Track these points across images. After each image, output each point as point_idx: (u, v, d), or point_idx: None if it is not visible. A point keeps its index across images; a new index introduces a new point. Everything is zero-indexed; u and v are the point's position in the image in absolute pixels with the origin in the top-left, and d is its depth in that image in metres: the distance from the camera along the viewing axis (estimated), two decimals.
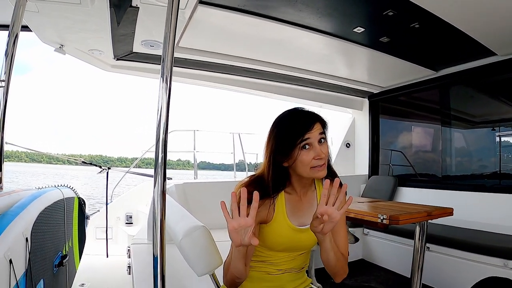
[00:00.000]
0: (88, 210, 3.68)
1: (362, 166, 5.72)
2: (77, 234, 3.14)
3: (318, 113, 1.44)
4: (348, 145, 5.87)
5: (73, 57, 3.81)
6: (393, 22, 3.09)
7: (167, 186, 3.52)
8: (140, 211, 5.16)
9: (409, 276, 2.84)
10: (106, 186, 4.41)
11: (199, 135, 6.25)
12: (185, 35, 3.29)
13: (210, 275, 1.53)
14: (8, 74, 1.89)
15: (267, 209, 1.43)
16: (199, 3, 2.71)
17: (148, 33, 3.22)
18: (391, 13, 2.88)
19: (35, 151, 5.82)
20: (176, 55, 3.68)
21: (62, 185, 3.02)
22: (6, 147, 2.31)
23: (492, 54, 3.64)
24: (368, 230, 4.48)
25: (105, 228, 4.35)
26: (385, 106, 5.52)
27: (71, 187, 3.13)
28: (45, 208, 2.20)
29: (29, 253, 1.77)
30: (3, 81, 1.98)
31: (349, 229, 3.29)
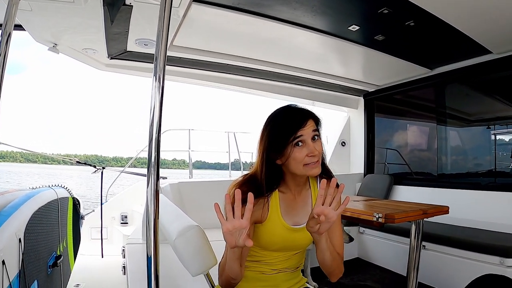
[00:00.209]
0: (83, 210, 3.66)
1: (357, 164, 5.72)
2: (71, 234, 3.12)
3: (312, 110, 1.44)
4: (343, 144, 5.87)
5: (67, 56, 3.79)
6: (388, 20, 3.09)
7: (162, 186, 3.52)
8: (135, 210, 5.15)
9: (405, 275, 2.84)
10: (101, 186, 4.39)
11: (194, 134, 6.23)
12: (179, 33, 3.27)
13: (204, 275, 1.51)
14: (1, 74, 1.87)
15: (261, 208, 1.41)
16: (192, 1, 2.69)
17: (142, 31, 3.20)
18: (386, 11, 2.88)
19: (29, 151, 5.80)
20: (170, 53, 3.66)
21: (56, 185, 3.00)
22: (1, 147, 2.30)
23: (488, 52, 3.64)
24: (363, 229, 4.48)
25: (100, 228, 4.33)
26: (380, 105, 5.52)
27: (65, 187, 3.11)
28: (39, 208, 2.19)
29: (22, 254, 1.76)
30: None
31: (344, 227, 3.29)
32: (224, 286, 1.43)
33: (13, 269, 1.64)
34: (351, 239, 3.27)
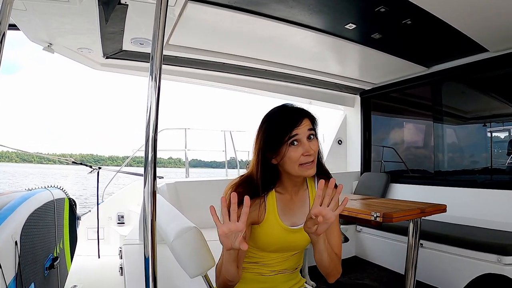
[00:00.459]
0: (79, 211, 3.64)
1: (354, 163, 5.72)
2: (68, 235, 3.11)
3: (307, 109, 1.43)
4: (340, 142, 5.88)
5: (62, 56, 3.77)
6: (385, 19, 3.08)
7: (159, 186, 3.51)
8: (131, 210, 5.13)
9: (403, 273, 2.84)
10: (97, 186, 4.37)
11: (190, 134, 6.22)
12: (175, 32, 3.25)
13: (202, 276, 1.50)
14: None
15: (257, 209, 1.40)
16: (188, 0, 2.68)
17: (137, 30, 3.19)
18: (383, 10, 2.87)
19: (24, 151, 5.78)
20: (166, 53, 3.64)
21: (52, 186, 2.99)
22: None
23: (484, 50, 3.65)
24: (361, 227, 4.48)
25: (97, 229, 4.32)
26: (376, 103, 5.52)
27: (61, 188, 3.09)
28: (35, 210, 2.17)
29: (19, 257, 1.74)
30: None
31: (341, 226, 3.28)
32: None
33: (10, 272, 1.63)
34: (346, 240, 3.27)
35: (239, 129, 6.69)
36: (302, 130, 1.33)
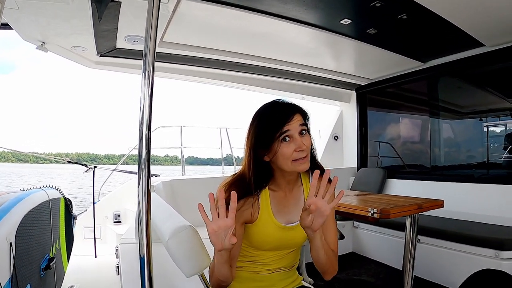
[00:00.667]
0: (75, 210, 3.62)
1: (350, 158, 5.73)
2: (64, 235, 3.09)
3: (299, 105, 1.41)
4: (336, 138, 5.88)
5: (55, 55, 3.74)
6: (380, 14, 3.07)
7: (154, 184, 3.49)
8: (128, 209, 5.11)
9: (401, 269, 2.84)
10: (93, 185, 4.35)
11: (186, 131, 6.20)
12: (169, 29, 3.24)
13: (199, 275, 1.49)
14: None
15: (251, 207, 1.39)
16: None
17: (131, 28, 3.17)
18: (378, 4, 2.85)
19: (18, 151, 5.74)
20: (160, 50, 3.63)
21: (48, 185, 2.96)
22: None
23: (480, 45, 3.64)
24: (358, 223, 4.48)
25: (93, 228, 4.30)
26: (373, 98, 5.52)
27: (56, 188, 3.07)
28: (30, 211, 2.15)
29: (14, 259, 1.72)
30: None
31: (338, 222, 3.28)
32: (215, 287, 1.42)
33: (5, 274, 1.61)
34: (342, 237, 3.26)
35: (235, 126, 6.66)
36: (294, 125, 1.32)
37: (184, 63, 4.14)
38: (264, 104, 1.42)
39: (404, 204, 2.59)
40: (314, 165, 1.42)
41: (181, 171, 6.05)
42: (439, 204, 2.75)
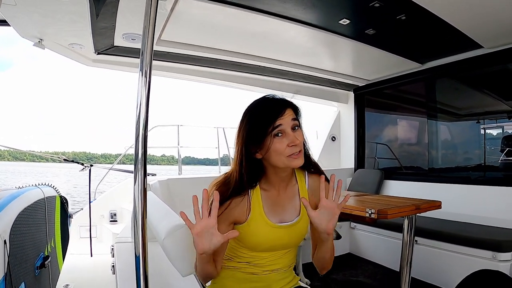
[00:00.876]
0: (71, 209, 3.61)
1: (347, 159, 5.72)
2: (59, 234, 3.07)
3: (290, 100, 1.40)
4: (333, 139, 5.87)
5: (53, 52, 3.72)
6: (379, 14, 3.06)
7: (151, 183, 3.48)
8: (124, 208, 5.09)
9: (398, 270, 2.84)
10: (89, 184, 4.33)
11: (183, 130, 6.18)
12: (167, 27, 3.22)
13: (194, 275, 1.48)
14: None
15: (241, 207, 1.38)
16: None
17: (129, 26, 3.14)
18: (377, 5, 2.84)
19: (16, 149, 5.72)
20: (158, 48, 3.61)
21: (43, 183, 2.95)
22: None
23: (479, 46, 3.64)
24: (355, 224, 4.48)
25: (89, 227, 4.28)
26: (370, 99, 5.52)
27: (52, 186, 3.05)
28: (25, 209, 2.13)
29: (8, 256, 1.70)
30: None
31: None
32: (202, 280, 1.44)
33: None
34: (338, 237, 3.26)
35: (232, 126, 6.64)
36: (286, 120, 1.31)
37: (182, 61, 4.12)
38: (255, 100, 1.41)
39: (402, 205, 2.58)
40: (309, 161, 1.42)
41: (177, 171, 6.04)
42: (436, 205, 2.75)
